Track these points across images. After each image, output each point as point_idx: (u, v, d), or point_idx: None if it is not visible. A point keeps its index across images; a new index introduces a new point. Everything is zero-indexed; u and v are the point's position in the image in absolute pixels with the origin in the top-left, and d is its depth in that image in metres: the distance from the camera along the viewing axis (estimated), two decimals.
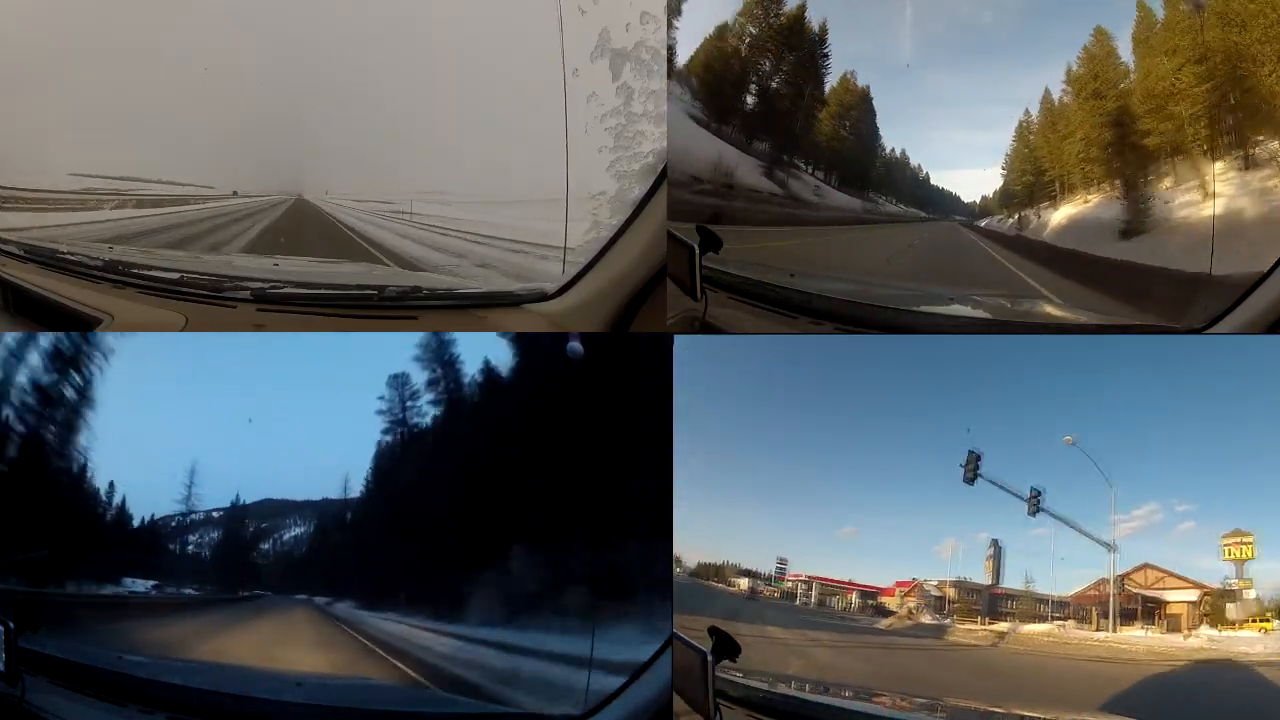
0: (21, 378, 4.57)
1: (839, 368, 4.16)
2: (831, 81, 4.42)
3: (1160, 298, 3.63)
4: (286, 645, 4.33)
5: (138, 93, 5.03)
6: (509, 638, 3.86)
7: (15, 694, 2.98)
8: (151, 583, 4.77)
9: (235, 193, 5.34)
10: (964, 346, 3.82)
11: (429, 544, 4.48)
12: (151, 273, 4.36)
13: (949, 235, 4.40)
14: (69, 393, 4.64)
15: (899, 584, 4.36)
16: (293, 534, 5.05)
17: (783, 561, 4.54)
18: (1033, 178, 4.30)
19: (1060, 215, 4.28)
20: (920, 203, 4.50)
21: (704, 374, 3.68)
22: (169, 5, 5.00)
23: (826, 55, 4.39)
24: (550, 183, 3.98)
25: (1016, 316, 3.92)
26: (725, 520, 4.32)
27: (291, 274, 4.62)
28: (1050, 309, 3.91)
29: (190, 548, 4.93)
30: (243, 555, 4.99)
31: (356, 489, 4.72)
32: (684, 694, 2.82)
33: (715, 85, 4.47)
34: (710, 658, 2.68)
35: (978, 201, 4.38)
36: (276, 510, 5.05)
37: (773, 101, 4.56)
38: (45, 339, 4.57)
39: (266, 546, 5.04)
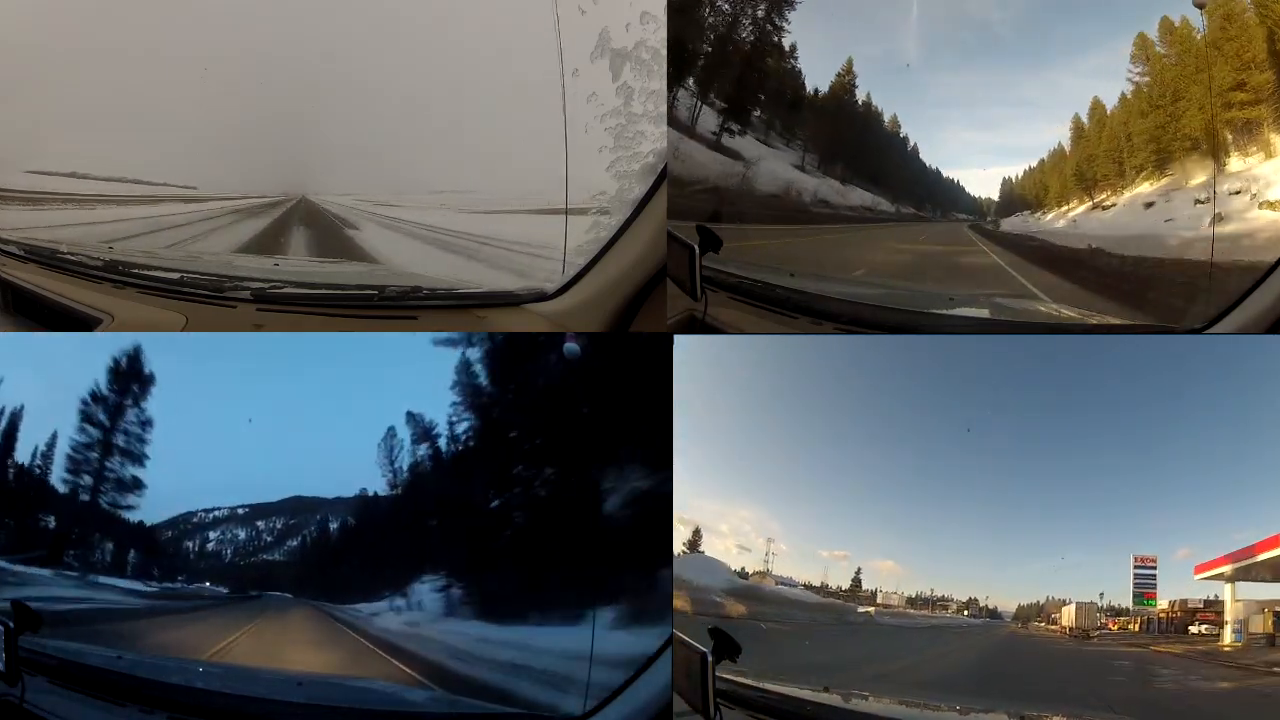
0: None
1: (839, 368, 4.16)
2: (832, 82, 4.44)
3: (1160, 298, 3.63)
4: (287, 645, 4.33)
5: (137, 93, 5.04)
6: (508, 637, 3.86)
7: (15, 694, 2.97)
8: (151, 582, 4.78)
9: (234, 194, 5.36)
10: (964, 346, 3.82)
11: (427, 543, 4.49)
12: (151, 273, 4.36)
13: (951, 235, 4.41)
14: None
15: None
16: (293, 534, 5.05)
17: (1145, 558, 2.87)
18: (1031, 180, 4.31)
19: (1060, 215, 4.28)
20: (923, 202, 4.51)
21: (704, 374, 3.68)
22: (169, 5, 5.01)
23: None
24: (550, 183, 3.98)
25: (1016, 316, 3.92)
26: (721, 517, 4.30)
27: (291, 274, 4.62)
28: (1050, 309, 3.91)
29: (190, 547, 4.94)
30: (242, 556, 4.99)
31: (356, 488, 4.73)
32: (684, 694, 2.81)
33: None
34: (710, 658, 2.68)
35: (979, 201, 4.39)
36: (277, 510, 5.06)
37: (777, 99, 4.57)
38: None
39: (266, 546, 5.04)
